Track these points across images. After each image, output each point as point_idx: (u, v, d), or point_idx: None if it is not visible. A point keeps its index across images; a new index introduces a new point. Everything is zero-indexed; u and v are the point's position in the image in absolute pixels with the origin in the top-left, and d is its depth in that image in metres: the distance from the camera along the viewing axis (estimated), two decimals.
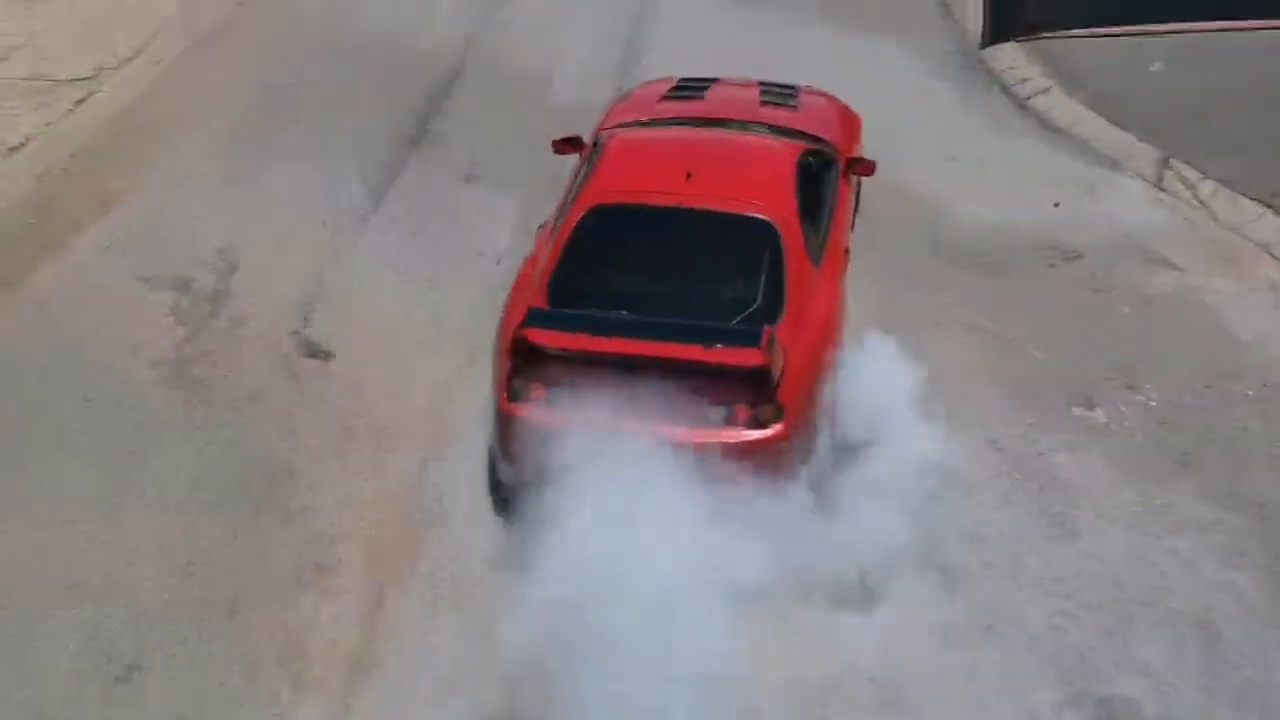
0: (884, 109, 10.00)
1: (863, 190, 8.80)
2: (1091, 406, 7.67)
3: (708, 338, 6.23)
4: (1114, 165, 10.25)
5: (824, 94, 9.00)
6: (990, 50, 12.24)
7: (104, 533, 6.81)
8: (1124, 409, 7.66)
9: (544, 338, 6.33)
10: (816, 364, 6.58)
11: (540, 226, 7.69)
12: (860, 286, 7.79)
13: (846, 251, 7.60)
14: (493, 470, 6.93)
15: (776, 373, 6.22)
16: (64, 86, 11.49)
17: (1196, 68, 11.40)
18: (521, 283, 7.09)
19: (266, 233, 9.44)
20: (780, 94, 8.62)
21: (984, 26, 12.72)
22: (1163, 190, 9.90)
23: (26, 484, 7.13)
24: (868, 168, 8.27)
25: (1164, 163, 10.08)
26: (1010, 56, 12.02)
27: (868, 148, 8.86)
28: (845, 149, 8.23)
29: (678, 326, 6.33)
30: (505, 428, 6.50)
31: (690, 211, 6.91)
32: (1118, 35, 12.08)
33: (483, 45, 12.49)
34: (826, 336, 6.80)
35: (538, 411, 6.34)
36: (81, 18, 12.87)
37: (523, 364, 6.37)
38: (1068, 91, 11.25)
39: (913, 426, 6.81)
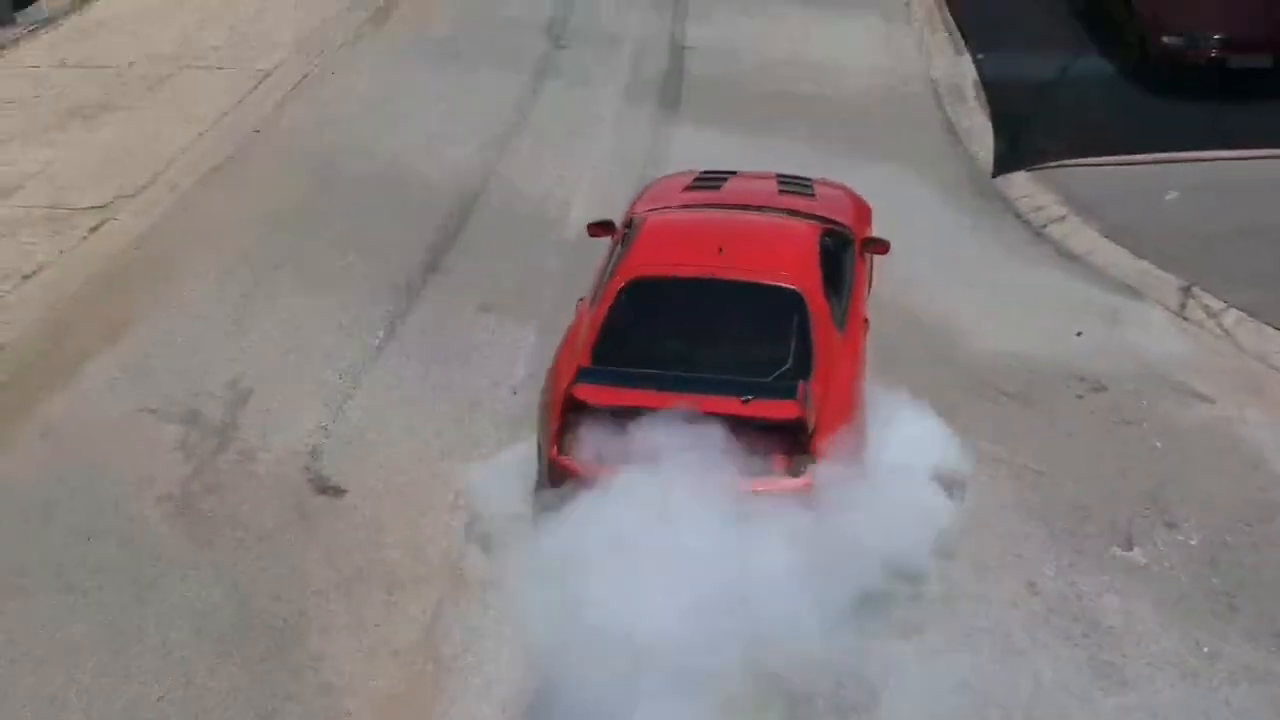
0: (897, 235, 9.73)
1: (877, 317, 8.55)
2: (1130, 546, 7.30)
3: (745, 392, 6.66)
4: (1134, 294, 10.01)
5: (836, 184, 9.43)
6: (1002, 179, 12.08)
7: (102, 683, 6.40)
8: (1163, 548, 7.29)
9: (593, 394, 6.76)
10: (845, 420, 6.91)
11: (580, 300, 8.09)
12: (878, 415, 7.48)
13: (866, 321, 8.03)
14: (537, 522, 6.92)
15: (811, 424, 6.60)
16: (79, 215, 11.33)
17: (1211, 197, 11.24)
18: (567, 348, 7.52)
19: (277, 364, 9.17)
20: (797, 184, 9.07)
21: (994, 154, 12.59)
22: (1186, 319, 9.64)
23: (28, 626, 6.76)
24: (882, 247, 8.70)
25: (1186, 291, 9.84)
26: (1023, 185, 11.87)
27: (884, 274, 8.70)
28: (859, 230, 8.69)
29: (717, 381, 6.79)
30: (555, 478, 6.84)
31: (724, 282, 7.36)
32: (1131, 164, 11.95)
33: (499, 171, 12.36)
34: (853, 396, 7.21)
35: (585, 462, 6.66)
36: (100, 146, 12.79)
37: (572, 419, 6.75)
38: (1083, 220, 11.07)
39: (944, 566, 6.45)
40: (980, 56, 15.01)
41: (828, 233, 8.08)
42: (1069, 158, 12.21)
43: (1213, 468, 7.94)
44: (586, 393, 6.75)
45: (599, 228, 8.89)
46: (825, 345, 7.12)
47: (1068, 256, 10.68)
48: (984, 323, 9.54)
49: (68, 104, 13.76)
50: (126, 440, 8.34)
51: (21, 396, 8.86)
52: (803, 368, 6.95)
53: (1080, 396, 8.71)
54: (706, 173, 9.31)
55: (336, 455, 8.15)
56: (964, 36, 15.77)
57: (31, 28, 16.17)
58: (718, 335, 7.22)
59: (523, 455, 7.54)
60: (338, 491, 7.82)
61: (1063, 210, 11.26)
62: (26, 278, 10.37)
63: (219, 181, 12.23)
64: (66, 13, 16.81)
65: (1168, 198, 11.31)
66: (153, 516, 7.64)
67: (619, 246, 8.09)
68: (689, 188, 8.98)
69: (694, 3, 17.40)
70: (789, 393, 6.68)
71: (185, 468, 8.05)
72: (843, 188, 9.32)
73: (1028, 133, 12.91)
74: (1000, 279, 10.31)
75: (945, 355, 9.12)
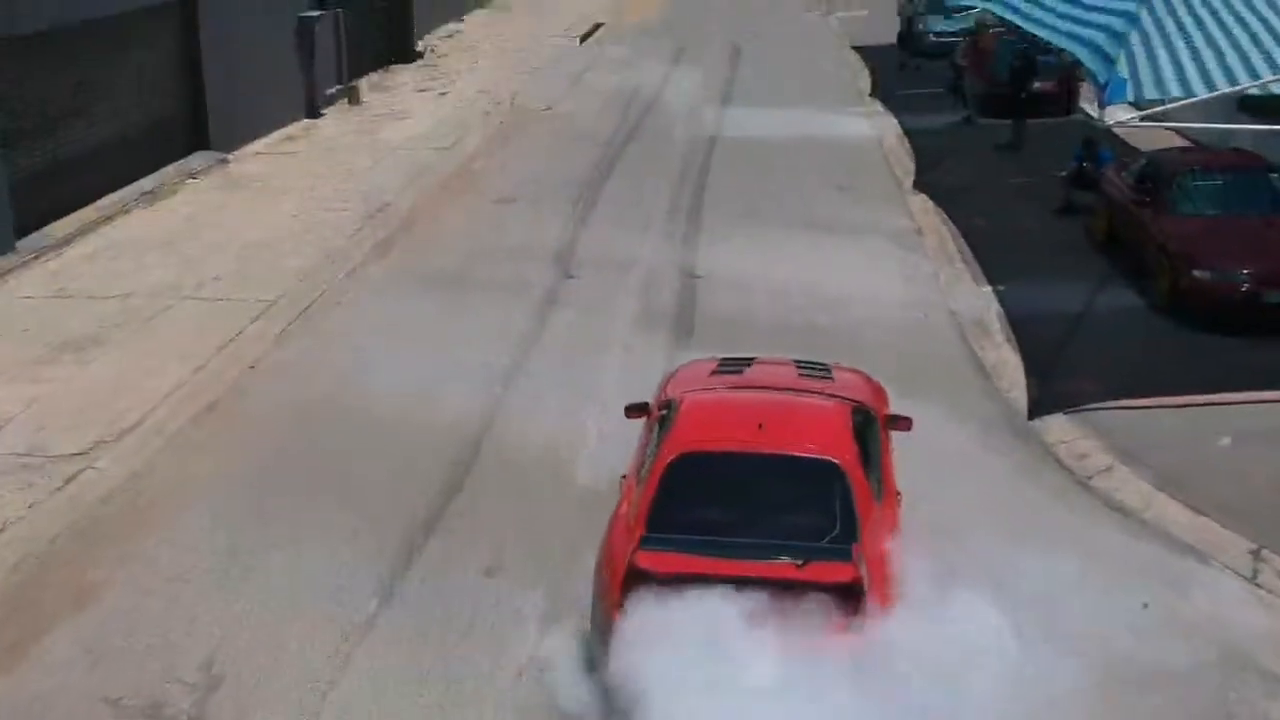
0: (936, 484, 8.99)
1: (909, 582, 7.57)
2: None
3: (800, 556, 6.94)
4: (1200, 556, 8.99)
5: (850, 368, 9.63)
6: (1039, 421, 11.22)
7: None
8: None
9: (654, 561, 6.95)
10: (889, 584, 7.12)
11: (622, 477, 8.32)
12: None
13: (898, 493, 8.24)
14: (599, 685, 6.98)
15: (865, 586, 6.85)
16: (56, 462, 10.40)
17: (1263, 443, 10.37)
18: (618, 523, 7.61)
19: (258, 638, 8.10)
20: (815, 368, 9.29)
21: (1027, 393, 11.77)
22: (1260, 586, 8.61)
23: None
24: (905, 423, 8.94)
25: (1256, 555, 8.85)
26: (1061, 428, 10.99)
27: (915, 521, 8.10)
28: (879, 409, 8.87)
29: (773, 547, 7.03)
30: (618, 646, 6.84)
31: (767, 456, 7.65)
32: (1174, 406, 11.11)
33: (504, 413, 11.52)
34: (893, 562, 7.33)
35: (647, 626, 6.75)
36: (88, 384, 11.97)
37: (634, 586, 6.88)
38: (1131, 469, 10.13)
39: None
40: (1001, 288, 14.40)
41: (855, 410, 8.35)
42: (1107, 398, 11.37)
43: None
44: (648, 560, 6.97)
45: (635, 410, 9.11)
46: (866, 514, 7.39)
47: (1119, 511, 9.71)
48: (1034, 591, 8.46)
49: (59, 337, 13.02)
50: None
51: None
52: (849, 535, 7.20)
53: (1154, 685, 7.58)
54: (727, 359, 9.47)
55: None
56: (981, 265, 15.24)
57: (33, 255, 15.61)
58: (764, 506, 7.44)
59: None
60: None
61: (1108, 459, 10.34)
62: None
63: (209, 424, 11.35)
64: (70, 238, 16.30)
65: (1221, 444, 10.43)
66: None
67: (658, 426, 8.29)
68: (715, 372, 9.12)
69: (704, 231, 16.98)
70: (843, 555, 7.00)
71: None
72: (857, 372, 9.51)
73: (1060, 370, 12.12)
74: (1049, 539, 9.29)
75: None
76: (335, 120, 23.72)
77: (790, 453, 7.67)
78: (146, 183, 18.66)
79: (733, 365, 9.21)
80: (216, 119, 20.41)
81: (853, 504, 7.33)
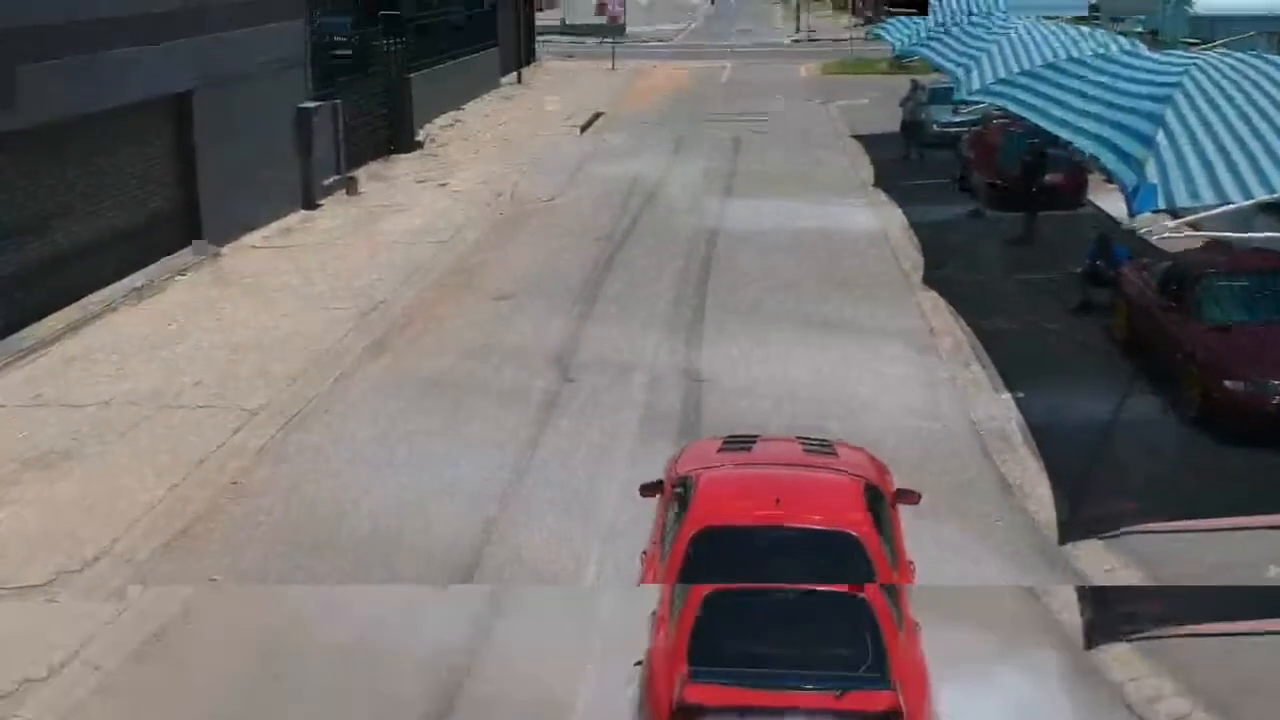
0: (962, 631, 8.13)
1: None
2: None
3: (840, 686, 7.01)
4: None
5: (854, 446, 9.60)
6: (1071, 546, 10.33)
7: None
8: None
9: (703, 695, 6.98)
10: (924, 697, 7.26)
11: (643, 553, 8.50)
12: None
13: (911, 563, 8.43)
14: None
15: (905, 712, 6.88)
16: (8, 599, 9.52)
17: None
18: (657, 655, 7.51)
19: None
20: (819, 446, 9.27)
21: (1056, 514, 10.90)
22: None
23: None
24: (913, 498, 9.08)
25: None
26: (1097, 555, 10.09)
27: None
28: (885, 485, 8.91)
29: (814, 677, 7.11)
30: None
31: (786, 529, 7.86)
32: (1216, 530, 10.26)
33: (499, 534, 10.65)
34: (917, 638, 7.68)
35: None
36: (55, 505, 11.09)
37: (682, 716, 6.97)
38: (1181, 623, 9.06)
39: None
40: (1021, 395, 13.60)
41: (866, 485, 8.46)
42: (1142, 520, 10.51)
43: None
44: (698, 694, 6.99)
45: (650, 489, 9.18)
46: (886, 579, 7.60)
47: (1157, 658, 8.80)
48: None
49: (29, 451, 12.17)
50: None
51: None
52: (874, 655, 7.22)
53: None
54: (732, 437, 9.56)
55: None
56: (998, 369, 14.45)
57: (12, 358, 14.84)
58: (785, 577, 7.56)
59: None
60: None
61: (1155, 603, 9.38)
62: None
63: (182, 551, 10.45)
64: (53, 339, 15.54)
65: (1269, 574, 9.56)
66: None
67: (674, 503, 8.40)
68: (722, 450, 9.16)
69: (707, 330, 16.22)
70: (883, 684, 7.04)
71: None
72: (861, 450, 9.53)
73: (1090, 488, 11.26)
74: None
75: None
76: (332, 212, 23.11)
77: (809, 525, 7.90)
78: (137, 278, 17.97)
79: (739, 443, 9.35)
80: (210, 211, 19.78)
81: (874, 576, 7.55)
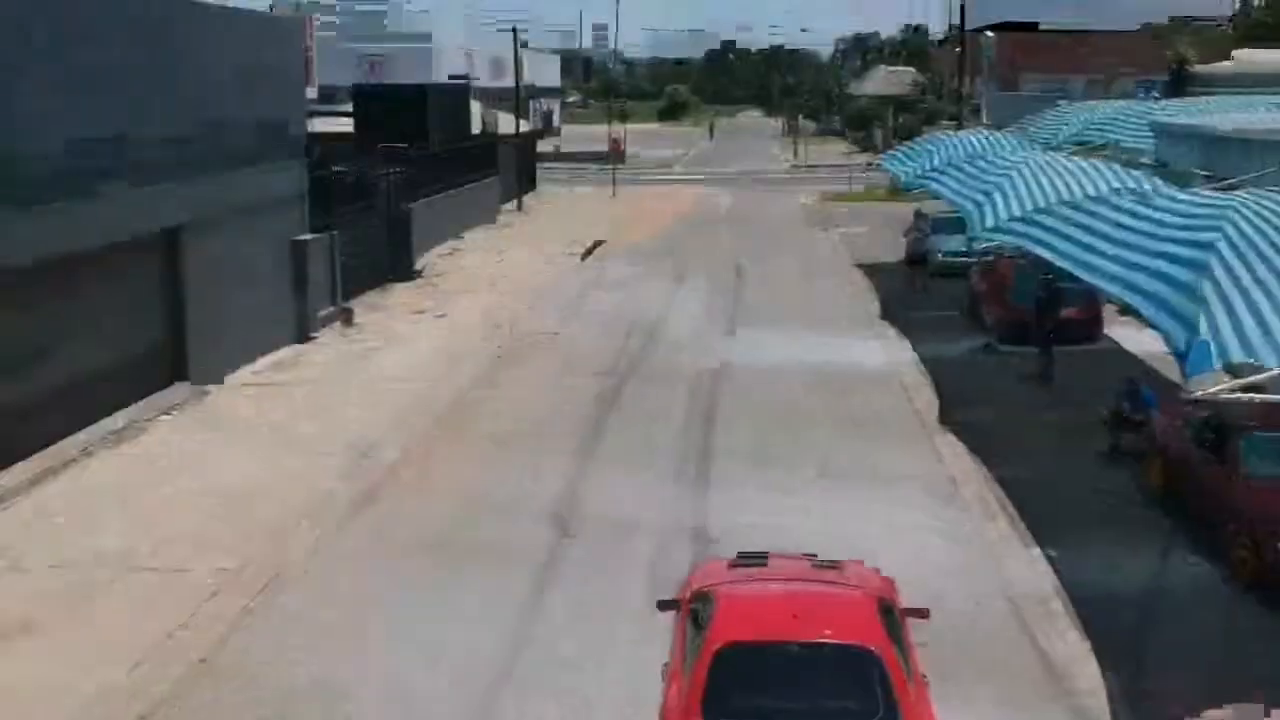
0: None
1: None
2: None
3: None
4: None
5: (860, 563, 9.53)
6: None
7: None
8: None
9: None
10: None
11: (664, 665, 8.71)
12: None
13: (924, 676, 8.48)
14: None
15: None
16: None
17: None
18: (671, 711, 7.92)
19: None
20: (827, 564, 9.28)
21: (1109, 706, 9.74)
22: None
23: None
24: (922, 613, 9.25)
25: None
26: None
27: None
28: (894, 600, 8.96)
29: None
30: None
31: (806, 644, 8.10)
32: None
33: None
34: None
35: None
36: (4, 691, 9.96)
37: None
38: None
39: None
40: (1053, 552, 12.55)
41: (879, 600, 8.61)
42: (1200, 704, 9.41)
43: None
44: None
45: (667, 605, 9.32)
46: (904, 696, 7.75)
47: None
48: None
49: None
50: None
51: None
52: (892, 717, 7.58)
53: None
54: (743, 553, 9.55)
55: None
56: (1027, 523, 13.41)
57: None
58: (807, 691, 7.89)
59: None
60: None
61: None
62: None
63: None
64: (20, 491, 14.45)
65: None
66: None
67: (691, 620, 8.54)
68: (734, 566, 9.26)
69: (713, 480, 15.19)
70: None
71: None
72: (866, 566, 9.53)
73: (1141, 671, 10.17)
74: None
75: None
76: (327, 346, 22.26)
77: (829, 640, 8.11)
78: (118, 419, 17.00)
79: (751, 559, 9.36)
80: (198, 348, 18.89)
81: (892, 689, 7.73)
